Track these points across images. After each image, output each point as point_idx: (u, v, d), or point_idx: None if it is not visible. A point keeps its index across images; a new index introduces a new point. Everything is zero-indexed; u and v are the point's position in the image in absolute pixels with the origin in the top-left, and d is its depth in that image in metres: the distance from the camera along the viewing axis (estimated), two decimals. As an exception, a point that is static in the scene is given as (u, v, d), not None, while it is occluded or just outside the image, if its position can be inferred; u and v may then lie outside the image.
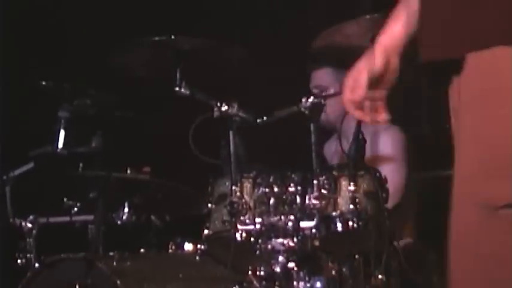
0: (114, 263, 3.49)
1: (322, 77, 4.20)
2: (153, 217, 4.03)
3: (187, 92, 3.46)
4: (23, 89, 4.43)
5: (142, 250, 3.88)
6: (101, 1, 5.04)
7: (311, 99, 3.30)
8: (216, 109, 3.37)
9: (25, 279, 3.56)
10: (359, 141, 3.34)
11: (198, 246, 3.63)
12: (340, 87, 4.06)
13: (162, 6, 4.90)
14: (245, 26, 4.76)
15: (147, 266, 3.61)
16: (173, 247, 3.77)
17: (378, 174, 3.33)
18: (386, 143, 4.11)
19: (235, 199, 3.25)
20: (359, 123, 3.35)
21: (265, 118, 3.38)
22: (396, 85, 2.19)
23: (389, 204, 3.35)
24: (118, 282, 3.32)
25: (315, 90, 4.20)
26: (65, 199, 3.91)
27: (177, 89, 3.46)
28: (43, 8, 5.05)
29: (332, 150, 4.24)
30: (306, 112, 3.30)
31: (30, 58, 4.95)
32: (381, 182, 3.32)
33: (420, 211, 4.18)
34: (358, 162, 3.32)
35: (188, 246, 3.73)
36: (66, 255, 3.55)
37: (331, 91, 4.13)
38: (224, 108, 3.36)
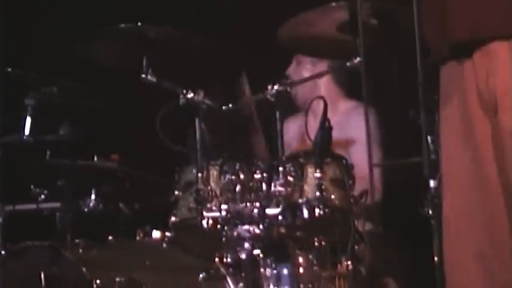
0: (81, 251, 3.48)
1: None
2: (121, 205, 4.03)
3: (154, 80, 3.47)
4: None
5: (110, 238, 3.86)
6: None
7: (276, 86, 3.32)
8: (182, 97, 3.38)
9: (-10, 266, 3.55)
10: (325, 128, 3.35)
11: (166, 234, 3.64)
12: (311, 67, 4.15)
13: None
14: (211, 14, 4.76)
15: (114, 254, 3.61)
16: (141, 235, 3.77)
17: (344, 161, 3.34)
18: (360, 123, 4.12)
19: (201, 186, 3.26)
20: (325, 109, 3.36)
21: (230, 105, 3.39)
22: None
23: (356, 191, 3.37)
24: (84, 270, 3.31)
25: (293, 62, 4.23)
26: (32, 187, 3.89)
27: (143, 76, 3.46)
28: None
29: (293, 130, 4.24)
30: (272, 100, 3.32)
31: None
32: (348, 169, 3.34)
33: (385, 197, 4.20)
34: (325, 150, 3.33)
35: (156, 234, 3.73)
36: (32, 242, 3.54)
37: (305, 68, 4.17)
38: (190, 95, 3.38)
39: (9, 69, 3.74)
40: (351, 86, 4.31)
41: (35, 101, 3.74)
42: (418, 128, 2.91)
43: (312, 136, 3.32)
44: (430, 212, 3.28)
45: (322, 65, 4.13)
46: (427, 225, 3.22)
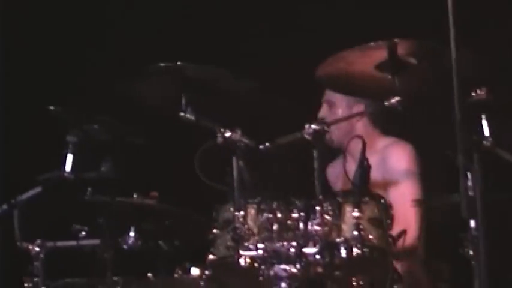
0: (118, 288, 3.50)
1: (333, 93, 4.21)
2: (160, 242, 4.04)
3: (193, 118, 3.50)
4: (31, 114, 4.49)
5: (149, 275, 3.87)
6: (108, 29, 5.10)
7: (314, 125, 3.32)
8: (219, 135, 3.40)
9: (30, 303, 3.58)
10: (364, 167, 3.34)
11: (204, 271, 3.63)
12: (347, 109, 4.15)
13: (169, 34, 4.96)
14: (250, 54, 4.80)
15: (152, 291, 3.62)
16: (179, 272, 3.77)
17: (382, 200, 3.33)
18: (399, 155, 4.11)
19: (238, 225, 3.26)
20: (363, 149, 3.36)
21: (268, 144, 3.40)
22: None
23: (395, 230, 3.35)
24: (121, 307, 3.32)
25: (324, 105, 4.22)
26: (73, 223, 3.92)
27: (182, 114, 3.50)
28: (53, 36, 5.12)
29: (336, 173, 4.25)
30: (309, 138, 3.32)
31: (39, 84, 5.00)
32: (386, 208, 3.32)
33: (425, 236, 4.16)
34: (363, 189, 3.32)
35: (195, 271, 3.73)
36: (71, 280, 3.57)
37: (339, 110, 4.16)
38: (228, 134, 3.39)
39: (51, 107, 3.79)
40: (388, 125, 4.28)
41: (76, 138, 3.78)
42: (456, 168, 2.90)
43: (351, 176, 3.32)
44: (471, 253, 3.23)
45: (358, 106, 4.12)
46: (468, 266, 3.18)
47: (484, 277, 2.87)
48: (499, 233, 3.09)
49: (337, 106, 4.20)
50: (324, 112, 4.20)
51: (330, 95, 4.22)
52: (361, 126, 4.22)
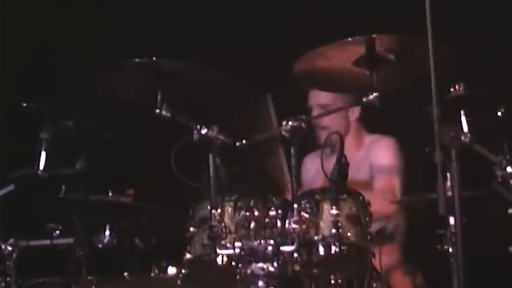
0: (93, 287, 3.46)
1: (326, 95, 4.18)
2: (136, 240, 4.00)
3: (168, 114, 3.47)
4: (4, 111, 4.44)
5: (125, 274, 3.84)
6: (83, 24, 5.07)
7: (291, 122, 3.30)
8: (195, 132, 3.37)
9: (3, 303, 3.53)
10: (341, 164, 3.31)
11: (181, 270, 3.60)
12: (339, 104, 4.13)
13: (146, 29, 4.93)
14: (227, 49, 4.78)
15: (127, 290, 3.59)
16: (156, 270, 3.74)
17: (360, 198, 3.31)
18: (385, 148, 4.14)
19: (214, 223, 3.23)
20: (341, 145, 3.34)
21: (244, 141, 3.38)
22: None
23: (375, 226, 3.33)
24: (96, 306, 3.29)
25: (317, 109, 4.20)
26: (47, 222, 3.87)
27: (157, 111, 3.46)
28: (27, 31, 5.07)
29: (316, 166, 4.22)
30: (287, 135, 3.30)
31: (12, 79, 4.96)
32: (364, 205, 3.30)
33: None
34: (341, 186, 3.30)
35: (172, 270, 3.70)
36: (44, 279, 3.53)
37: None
38: (204, 131, 3.36)
39: (24, 104, 3.74)
40: (372, 123, 4.32)
41: (50, 134, 3.73)
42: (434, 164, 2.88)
43: (329, 173, 3.29)
44: (450, 250, 3.22)
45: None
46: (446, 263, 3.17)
47: (462, 275, 2.86)
48: (475, 229, 3.07)
49: (333, 106, 4.16)
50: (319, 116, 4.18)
51: (320, 97, 4.19)
52: (355, 124, 4.26)
